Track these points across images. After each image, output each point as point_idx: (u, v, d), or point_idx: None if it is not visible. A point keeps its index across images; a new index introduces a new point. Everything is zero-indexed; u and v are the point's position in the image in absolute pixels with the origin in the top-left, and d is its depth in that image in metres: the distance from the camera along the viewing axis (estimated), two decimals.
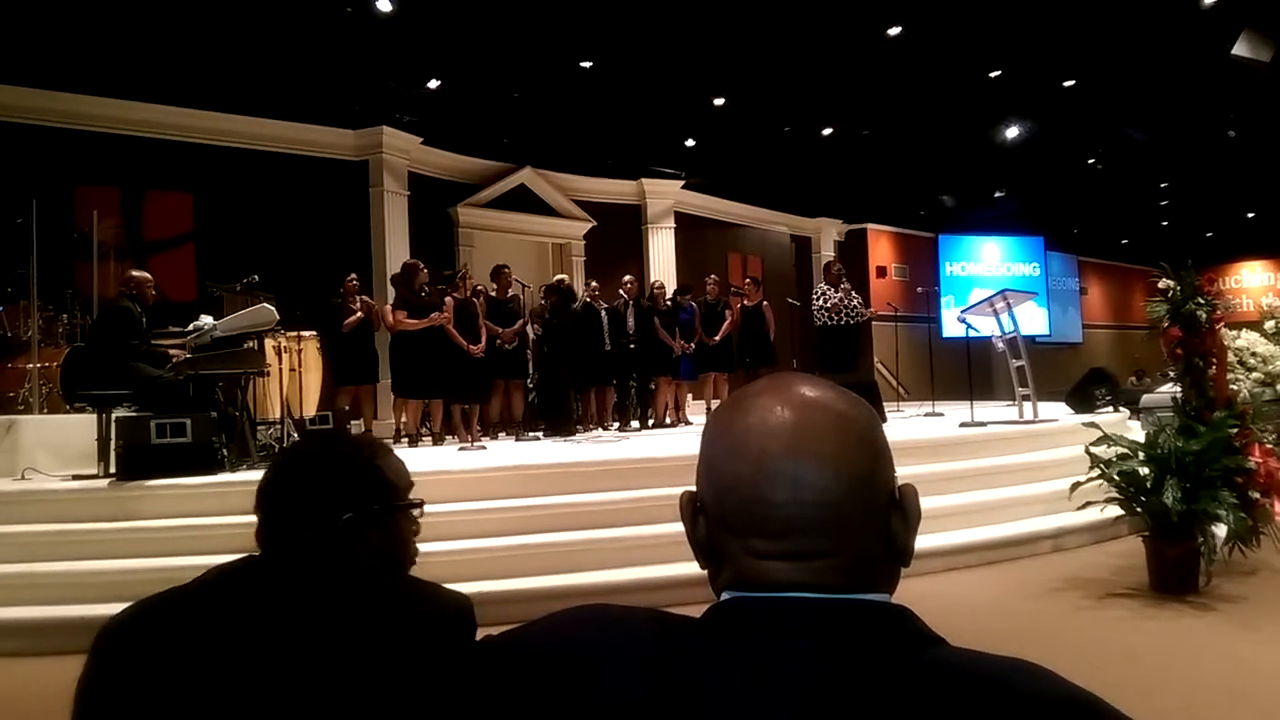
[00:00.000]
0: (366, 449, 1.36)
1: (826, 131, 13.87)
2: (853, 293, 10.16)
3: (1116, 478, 5.26)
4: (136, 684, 1.08)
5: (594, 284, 10.38)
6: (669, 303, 10.29)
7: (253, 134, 10.40)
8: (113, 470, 5.64)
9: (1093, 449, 5.44)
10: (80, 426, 6.44)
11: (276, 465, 1.33)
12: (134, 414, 5.94)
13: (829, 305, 9.99)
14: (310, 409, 8.08)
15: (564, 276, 10.08)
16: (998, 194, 17.66)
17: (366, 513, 1.28)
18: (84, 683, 1.11)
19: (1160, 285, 5.68)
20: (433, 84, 10.94)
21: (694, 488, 0.83)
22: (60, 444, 6.55)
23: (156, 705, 1.07)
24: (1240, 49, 9.35)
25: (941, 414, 10.10)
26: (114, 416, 5.92)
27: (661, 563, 5.11)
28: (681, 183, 14.41)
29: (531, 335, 9.47)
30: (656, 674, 0.73)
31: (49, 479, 5.85)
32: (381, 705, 1.08)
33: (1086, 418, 7.25)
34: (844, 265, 10.75)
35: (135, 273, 6.64)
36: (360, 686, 1.09)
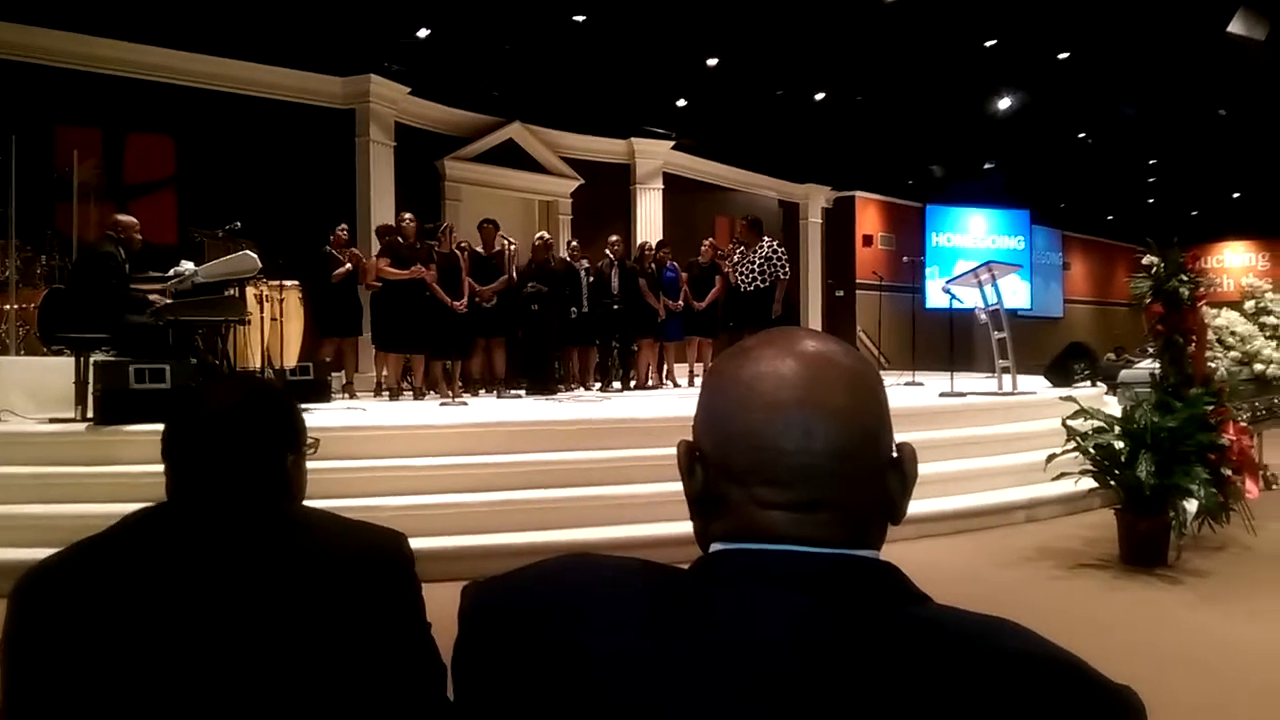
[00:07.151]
0: (285, 392, 1.42)
1: (819, 96, 13.75)
2: (772, 255, 9.53)
3: (1092, 451, 5.32)
4: (65, 633, 1.07)
5: (574, 242, 10.33)
6: (654, 262, 10.22)
7: (237, 78, 10.19)
8: (90, 414, 5.59)
9: (1069, 422, 5.49)
10: (58, 369, 6.35)
11: (197, 412, 1.30)
12: (112, 358, 5.88)
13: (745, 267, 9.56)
14: (291, 359, 8.01)
15: (545, 234, 9.97)
16: (986, 166, 17.62)
17: (300, 453, 1.33)
18: (8, 633, 1.09)
19: (1145, 261, 5.71)
20: (422, 33, 10.75)
21: (689, 439, 0.83)
22: (37, 386, 6.47)
23: (87, 653, 1.06)
24: (1236, 27, 9.31)
25: (921, 384, 10.14)
26: (92, 360, 5.86)
27: (640, 522, 5.12)
28: (671, 143, 14.27)
29: (530, 288, 9.21)
30: (645, 623, 0.73)
31: (25, 421, 5.79)
32: (323, 644, 1.09)
33: (1064, 391, 7.29)
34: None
35: (122, 217, 6.48)
36: (301, 629, 1.09)
